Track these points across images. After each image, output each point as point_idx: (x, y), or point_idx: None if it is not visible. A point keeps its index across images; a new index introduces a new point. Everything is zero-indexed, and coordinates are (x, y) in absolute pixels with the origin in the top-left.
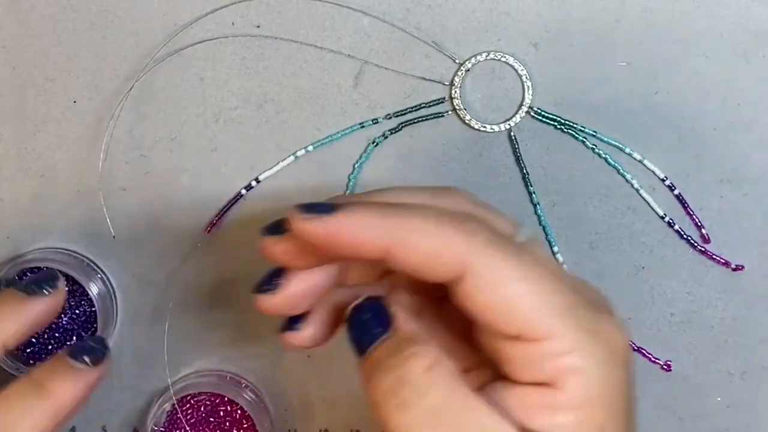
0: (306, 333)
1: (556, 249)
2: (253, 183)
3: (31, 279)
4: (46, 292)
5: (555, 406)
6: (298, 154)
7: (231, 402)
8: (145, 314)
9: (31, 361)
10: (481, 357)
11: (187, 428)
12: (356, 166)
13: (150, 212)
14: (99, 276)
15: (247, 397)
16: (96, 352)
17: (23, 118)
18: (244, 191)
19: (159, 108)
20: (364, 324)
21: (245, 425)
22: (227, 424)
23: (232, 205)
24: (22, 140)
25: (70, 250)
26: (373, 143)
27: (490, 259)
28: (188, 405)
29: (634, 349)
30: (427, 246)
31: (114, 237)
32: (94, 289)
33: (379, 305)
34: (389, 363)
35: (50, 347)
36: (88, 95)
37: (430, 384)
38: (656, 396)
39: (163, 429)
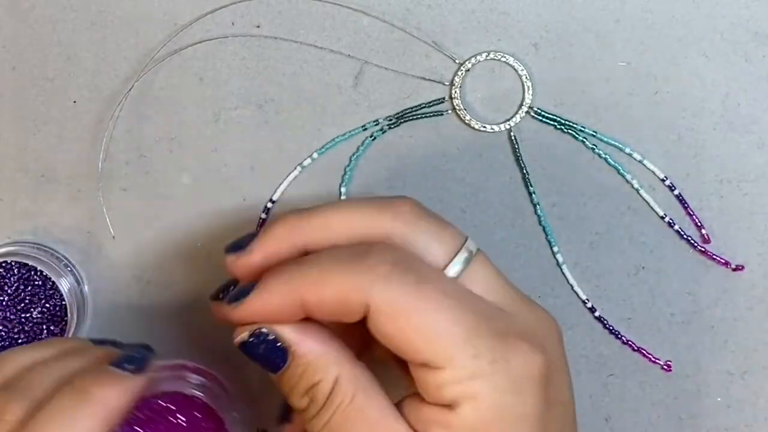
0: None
1: (556, 249)
2: (269, 204)
3: (125, 356)
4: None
5: (450, 427)
6: (305, 164)
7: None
8: (145, 314)
9: None
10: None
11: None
12: (353, 158)
13: (150, 212)
14: (70, 270)
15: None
16: (136, 361)
17: (23, 118)
18: (263, 215)
19: (159, 108)
20: (261, 357)
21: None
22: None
23: (259, 227)
24: (22, 140)
25: (41, 244)
26: (371, 137)
27: (388, 292)
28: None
29: (634, 350)
30: (331, 295)
31: (114, 237)
32: (64, 285)
33: (266, 339)
34: (298, 389)
35: (20, 341)
36: (88, 95)
37: (337, 402)
38: (656, 396)
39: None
